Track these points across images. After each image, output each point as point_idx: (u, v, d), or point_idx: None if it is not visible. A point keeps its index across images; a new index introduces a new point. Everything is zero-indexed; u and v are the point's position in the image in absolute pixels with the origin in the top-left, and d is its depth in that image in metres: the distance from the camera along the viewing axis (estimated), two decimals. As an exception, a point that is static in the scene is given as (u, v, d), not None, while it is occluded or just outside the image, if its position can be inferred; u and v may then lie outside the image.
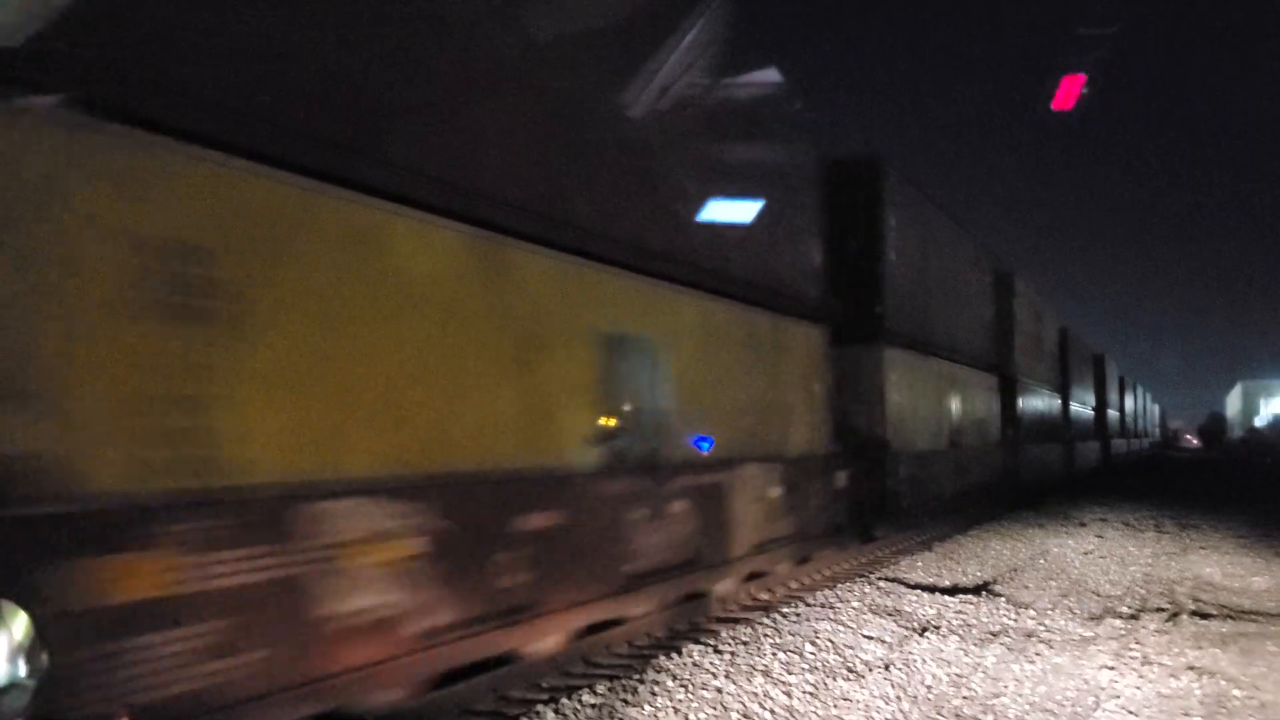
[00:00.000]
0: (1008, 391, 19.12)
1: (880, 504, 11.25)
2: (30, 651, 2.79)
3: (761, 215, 8.38)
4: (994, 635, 6.39)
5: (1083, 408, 32.14)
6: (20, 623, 2.79)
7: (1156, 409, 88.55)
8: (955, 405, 15.34)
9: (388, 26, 4.43)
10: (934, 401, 14.16)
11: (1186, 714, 4.68)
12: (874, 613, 7.02)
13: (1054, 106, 12.28)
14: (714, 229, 7.63)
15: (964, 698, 5.00)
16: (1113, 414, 41.55)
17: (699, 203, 7.37)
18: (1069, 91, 12.18)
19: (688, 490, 6.83)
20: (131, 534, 3.18)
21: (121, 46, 3.26)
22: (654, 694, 4.96)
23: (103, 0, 3.23)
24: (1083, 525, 13.55)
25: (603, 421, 6.01)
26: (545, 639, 5.39)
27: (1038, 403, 22.98)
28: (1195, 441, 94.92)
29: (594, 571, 5.80)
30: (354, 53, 4.21)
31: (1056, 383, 26.05)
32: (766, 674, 5.33)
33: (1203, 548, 11.07)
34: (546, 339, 5.47)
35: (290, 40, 3.92)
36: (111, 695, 3.01)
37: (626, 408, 6.31)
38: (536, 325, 5.38)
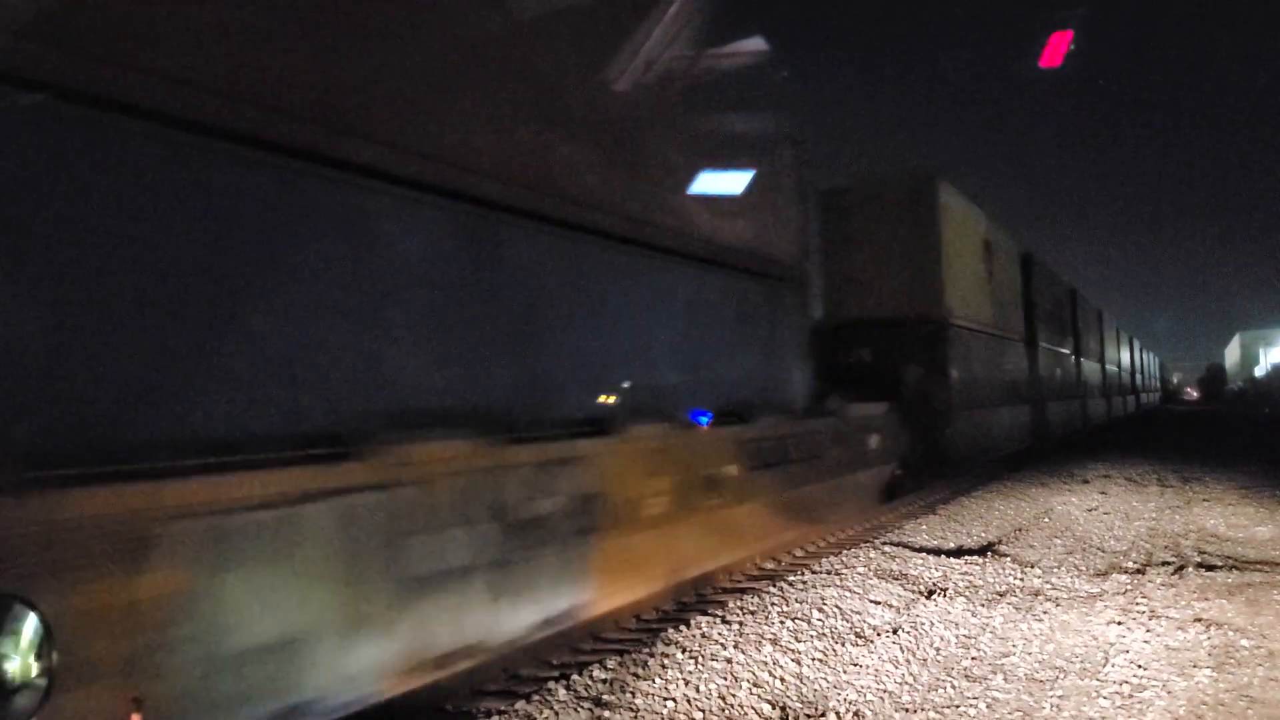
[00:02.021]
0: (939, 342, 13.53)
1: None
2: (41, 651, 2.78)
3: None
4: (1000, 595, 6.43)
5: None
6: (31, 623, 2.79)
7: (1157, 364, 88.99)
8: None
9: None
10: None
11: (1195, 666, 4.71)
12: (880, 577, 7.05)
13: (1042, 64, 12.20)
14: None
15: (973, 658, 5.03)
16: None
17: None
18: (1057, 48, 12.09)
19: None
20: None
21: None
22: (664, 666, 4.98)
23: None
24: (1085, 482, 13.58)
25: None
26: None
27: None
28: (1194, 394, 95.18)
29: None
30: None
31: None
32: (775, 642, 5.36)
33: (1206, 500, 11.12)
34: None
35: None
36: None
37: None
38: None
